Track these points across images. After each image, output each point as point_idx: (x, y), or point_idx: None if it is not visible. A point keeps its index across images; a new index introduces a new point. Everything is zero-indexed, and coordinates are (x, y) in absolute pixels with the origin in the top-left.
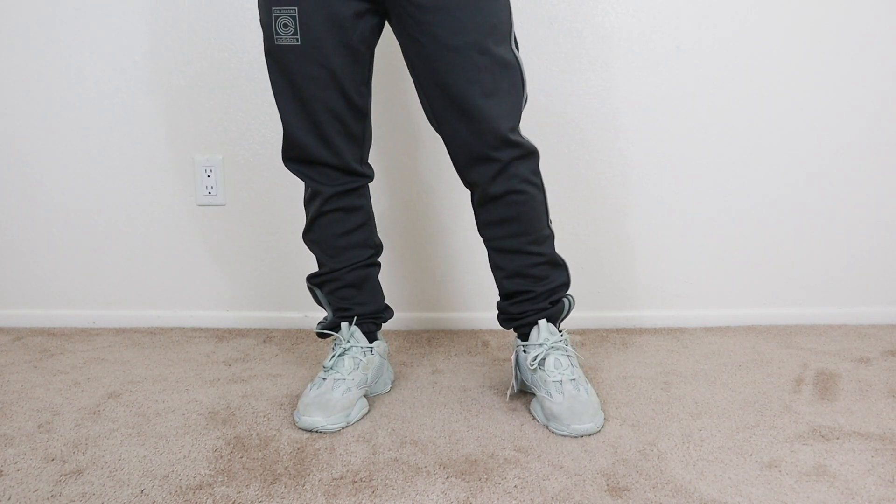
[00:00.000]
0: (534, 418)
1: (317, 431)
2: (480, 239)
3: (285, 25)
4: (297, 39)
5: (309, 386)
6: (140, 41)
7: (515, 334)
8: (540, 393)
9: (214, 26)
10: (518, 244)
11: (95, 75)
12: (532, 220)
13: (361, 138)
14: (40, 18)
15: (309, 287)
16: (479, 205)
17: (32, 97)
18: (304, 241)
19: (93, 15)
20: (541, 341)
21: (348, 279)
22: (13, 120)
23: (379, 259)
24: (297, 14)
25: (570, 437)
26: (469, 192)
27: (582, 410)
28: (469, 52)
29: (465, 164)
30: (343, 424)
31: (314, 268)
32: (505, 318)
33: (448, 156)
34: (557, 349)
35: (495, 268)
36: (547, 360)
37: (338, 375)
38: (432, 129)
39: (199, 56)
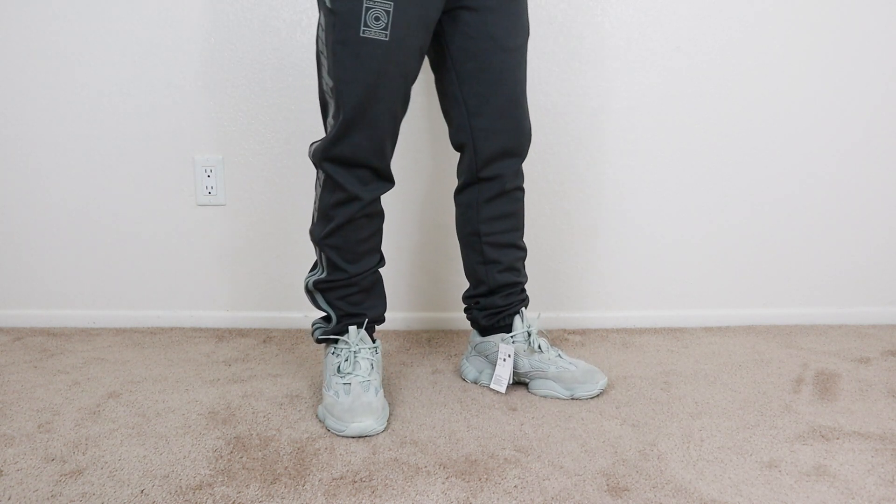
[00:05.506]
0: (541, 398)
1: (366, 436)
2: None
3: (377, 18)
4: (385, 35)
5: (332, 393)
6: (140, 41)
7: (475, 331)
8: (552, 369)
9: (214, 26)
10: (513, 238)
11: (95, 75)
12: (523, 216)
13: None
14: (40, 19)
15: (310, 291)
16: (487, 200)
17: (32, 97)
18: (319, 244)
19: (93, 15)
20: (526, 327)
21: (363, 284)
22: (13, 120)
23: None
24: (392, 9)
25: (594, 396)
26: (457, 192)
27: (594, 370)
28: (518, 54)
29: (494, 158)
30: (385, 425)
31: None
32: (490, 312)
33: (449, 155)
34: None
35: (491, 262)
36: (541, 341)
37: (360, 378)
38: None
39: (199, 56)
